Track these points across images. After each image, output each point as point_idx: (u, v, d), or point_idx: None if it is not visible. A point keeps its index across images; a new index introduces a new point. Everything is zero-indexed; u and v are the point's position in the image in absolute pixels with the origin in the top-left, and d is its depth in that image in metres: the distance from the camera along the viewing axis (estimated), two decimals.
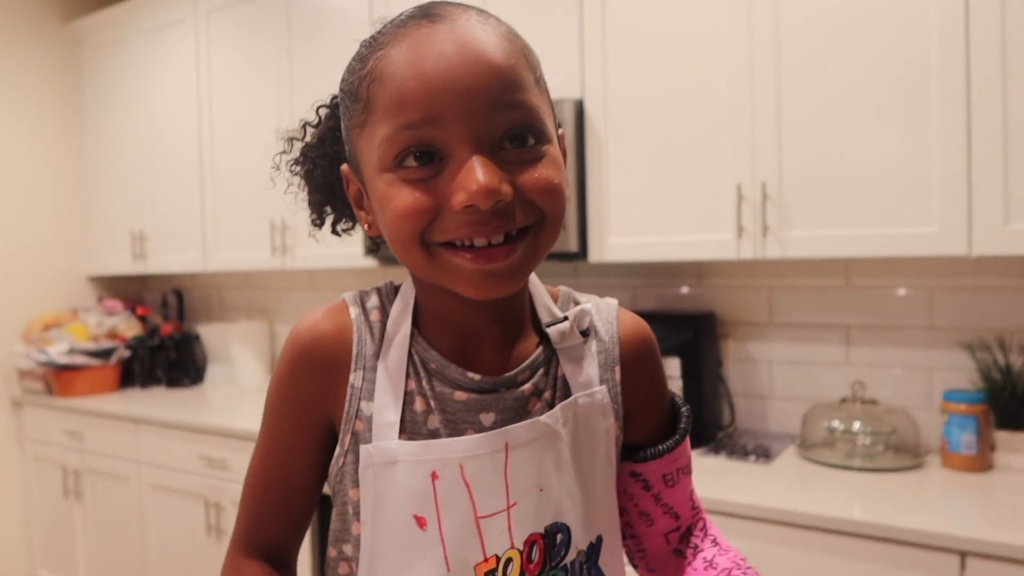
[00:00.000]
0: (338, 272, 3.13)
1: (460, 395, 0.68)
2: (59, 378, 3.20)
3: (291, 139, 0.77)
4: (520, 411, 0.69)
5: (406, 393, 0.69)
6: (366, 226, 0.71)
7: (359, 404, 0.69)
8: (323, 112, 0.77)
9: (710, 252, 1.95)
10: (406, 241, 0.63)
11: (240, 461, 2.52)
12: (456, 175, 0.60)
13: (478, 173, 0.58)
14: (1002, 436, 1.79)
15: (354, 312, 0.72)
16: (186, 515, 2.69)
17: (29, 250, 3.43)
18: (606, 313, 0.77)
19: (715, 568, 0.75)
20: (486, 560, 0.66)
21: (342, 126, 0.70)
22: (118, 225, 3.42)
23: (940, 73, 1.65)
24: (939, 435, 1.87)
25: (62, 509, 3.16)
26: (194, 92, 3.08)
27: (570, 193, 0.71)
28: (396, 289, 0.74)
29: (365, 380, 0.69)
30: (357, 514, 0.69)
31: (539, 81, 0.66)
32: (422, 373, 0.69)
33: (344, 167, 0.72)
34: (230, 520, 2.55)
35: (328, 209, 0.79)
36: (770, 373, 2.20)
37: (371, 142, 0.63)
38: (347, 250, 2.59)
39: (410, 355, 0.70)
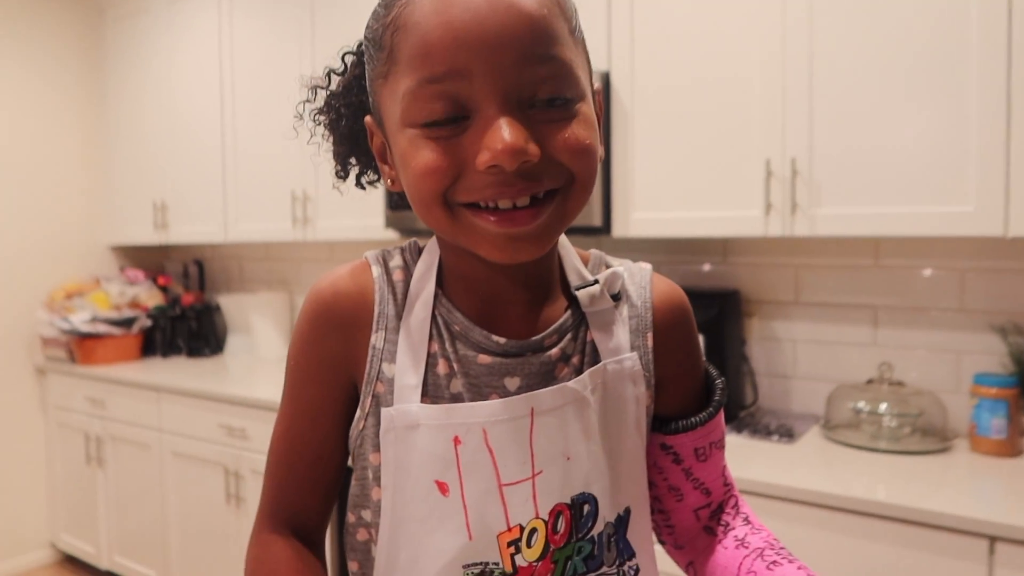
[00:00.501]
0: (359, 243, 3.12)
1: (484, 359, 0.66)
2: (81, 346, 3.23)
3: (315, 87, 0.73)
4: (546, 376, 0.66)
5: (429, 355, 0.66)
6: (389, 181, 0.68)
7: (380, 366, 0.67)
8: (349, 59, 0.73)
9: (737, 229, 1.91)
10: (428, 200, 0.60)
11: (259, 431, 2.53)
12: (482, 133, 0.56)
13: (504, 132, 0.55)
14: None
15: (376, 271, 0.69)
16: (206, 483, 2.71)
17: (52, 219, 3.45)
18: (639, 277, 0.74)
19: (747, 547, 0.72)
20: (509, 530, 0.63)
21: (366, 75, 0.67)
22: (140, 195, 3.43)
23: (980, 48, 1.59)
24: (967, 419, 1.84)
25: (85, 475, 3.20)
26: (216, 62, 3.07)
27: (603, 153, 0.67)
28: (420, 250, 0.72)
29: (387, 341, 0.67)
30: (377, 479, 0.66)
31: (574, 32, 0.62)
32: (445, 335, 0.67)
33: (368, 119, 0.69)
34: (249, 489, 2.57)
35: (352, 161, 0.76)
36: (794, 353, 2.17)
37: (394, 95, 0.60)
38: (368, 221, 2.57)
39: (433, 316, 0.67)
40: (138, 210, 3.44)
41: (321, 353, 0.69)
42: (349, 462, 0.72)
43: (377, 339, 0.67)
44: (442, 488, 0.63)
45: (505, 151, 0.55)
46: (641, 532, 0.71)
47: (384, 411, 0.65)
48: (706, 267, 2.30)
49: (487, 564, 0.63)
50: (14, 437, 3.33)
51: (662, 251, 2.38)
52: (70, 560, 3.44)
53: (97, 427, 3.12)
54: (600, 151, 0.66)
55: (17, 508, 3.34)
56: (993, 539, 1.38)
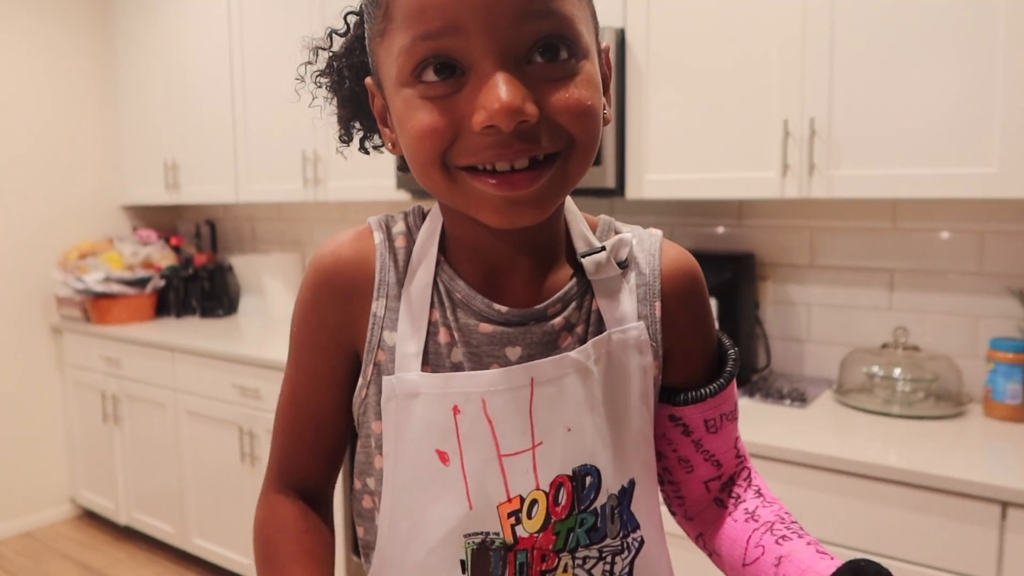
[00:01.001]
0: (370, 204, 3.10)
1: (485, 327, 0.65)
2: (96, 306, 3.25)
3: (317, 48, 0.71)
4: (549, 346, 0.65)
5: (430, 323, 0.65)
6: (390, 144, 0.66)
7: (381, 334, 0.66)
8: (351, 20, 0.70)
9: (752, 190, 1.88)
10: (425, 163, 0.58)
11: (272, 391, 2.55)
12: (478, 92, 0.54)
13: (500, 90, 0.53)
14: None
15: (378, 238, 0.68)
16: (221, 442, 2.75)
17: (65, 180, 3.45)
18: (648, 244, 0.72)
19: (757, 520, 0.70)
20: (509, 500, 0.63)
21: (365, 35, 0.64)
22: (150, 155, 3.41)
23: (1008, 3, 1.54)
24: (983, 384, 1.83)
25: (102, 433, 3.25)
26: (225, 21, 3.03)
27: (611, 115, 0.64)
28: (424, 215, 0.70)
29: (388, 309, 0.66)
30: (380, 447, 0.66)
31: None
32: (447, 303, 0.66)
33: (368, 80, 0.67)
34: (263, 448, 2.60)
35: (356, 125, 0.74)
36: (808, 316, 2.15)
37: (390, 53, 0.58)
38: (379, 182, 2.56)
39: (435, 284, 0.66)
40: (149, 170, 3.43)
41: (321, 320, 0.68)
42: (356, 428, 0.72)
43: (378, 307, 0.66)
44: (442, 457, 0.63)
45: (501, 111, 0.53)
46: (646, 504, 0.69)
47: (385, 379, 0.65)
48: (720, 230, 2.28)
49: (488, 534, 0.63)
50: (33, 395, 3.38)
51: (676, 213, 2.35)
52: (89, 515, 3.51)
53: (113, 386, 3.16)
54: (607, 113, 0.64)
55: (38, 464, 3.40)
56: (1005, 504, 1.38)
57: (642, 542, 0.69)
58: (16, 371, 3.33)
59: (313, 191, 2.80)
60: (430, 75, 0.56)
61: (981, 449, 1.59)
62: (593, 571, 0.66)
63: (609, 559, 0.67)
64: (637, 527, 0.68)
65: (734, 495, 0.74)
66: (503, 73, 0.54)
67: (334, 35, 0.72)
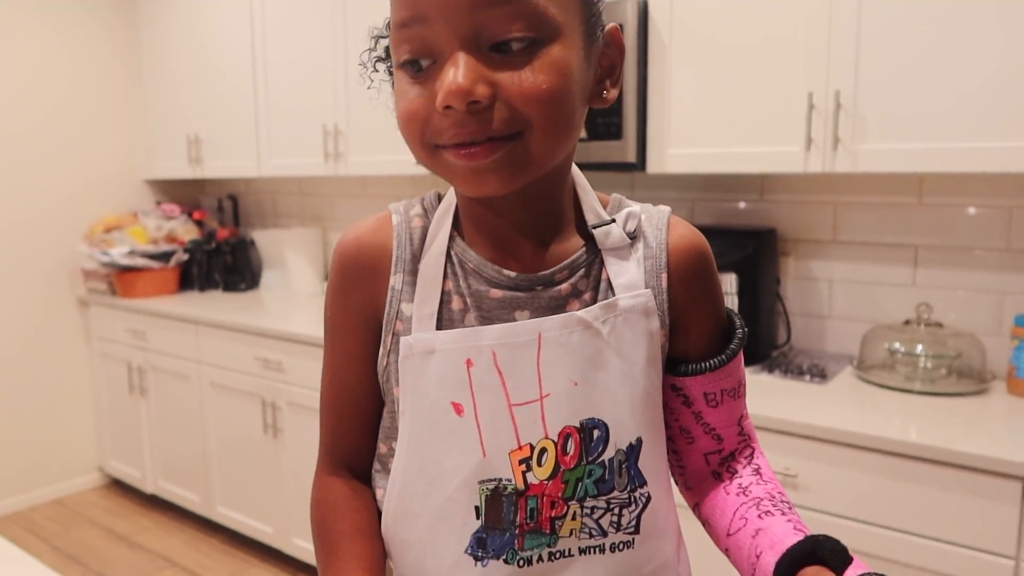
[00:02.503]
0: (391, 179, 3.11)
1: (496, 293, 0.69)
2: (121, 279, 3.30)
3: (377, 37, 0.75)
4: (556, 310, 0.69)
5: (443, 292, 0.70)
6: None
7: (399, 306, 0.70)
8: None
9: (775, 164, 1.86)
10: (412, 144, 0.64)
11: (294, 364, 2.58)
12: (441, 76, 0.60)
13: (451, 73, 0.58)
14: None
15: (396, 219, 0.73)
16: (245, 413, 2.79)
17: (90, 154, 3.48)
18: (656, 219, 0.74)
19: (747, 495, 0.73)
20: (520, 448, 0.66)
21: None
22: (174, 129, 3.44)
23: None
24: (1007, 361, 1.81)
25: (128, 404, 3.31)
26: None
27: (614, 95, 0.67)
28: (440, 198, 0.75)
29: (405, 283, 0.71)
30: (401, 413, 0.70)
31: None
32: (459, 272, 0.70)
33: None
34: (286, 420, 2.64)
35: None
36: (830, 292, 2.14)
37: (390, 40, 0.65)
38: (399, 156, 2.56)
39: (449, 256, 0.71)
40: (172, 144, 3.45)
41: (349, 303, 0.73)
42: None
43: (396, 281, 0.71)
44: (457, 409, 0.67)
45: (453, 92, 0.57)
46: (654, 463, 0.72)
47: (403, 339, 0.69)
48: (742, 205, 2.26)
49: (500, 480, 0.66)
50: (61, 366, 3.45)
51: (697, 188, 2.33)
52: (117, 484, 3.59)
53: (139, 358, 3.21)
54: (609, 94, 0.67)
55: (67, 434, 3.48)
56: None
57: (649, 498, 0.71)
58: (45, 343, 3.39)
59: (334, 165, 2.81)
60: (408, 62, 0.62)
61: (1003, 426, 1.57)
62: (601, 521, 0.69)
63: (616, 511, 0.70)
64: (644, 483, 0.71)
65: (732, 470, 0.77)
66: (461, 56, 0.58)
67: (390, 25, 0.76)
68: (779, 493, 0.73)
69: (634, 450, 0.70)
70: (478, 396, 0.66)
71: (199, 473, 3.03)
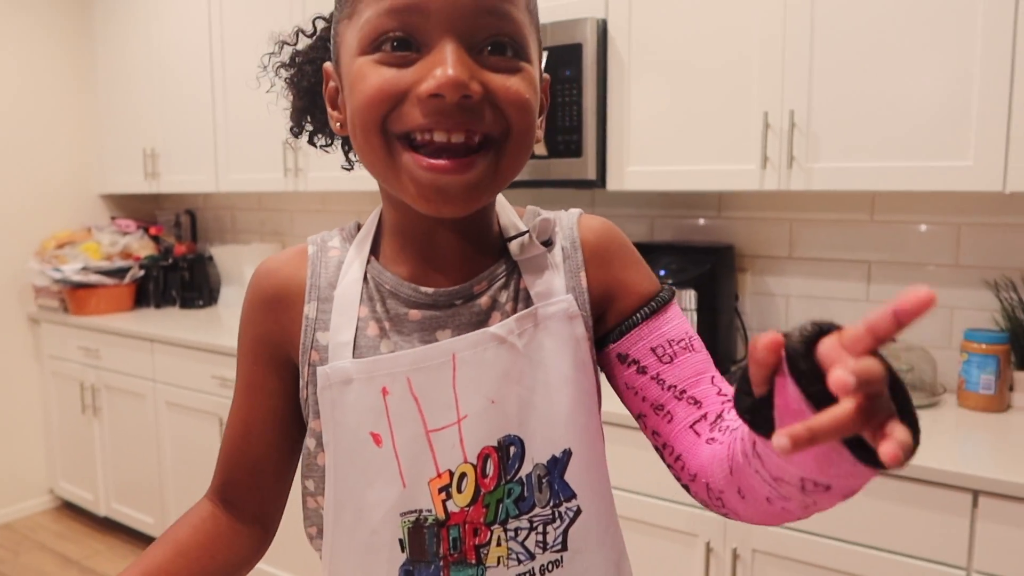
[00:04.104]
0: (351, 194, 3.09)
1: (415, 314, 0.67)
2: (74, 296, 3.22)
3: (283, 43, 0.76)
4: (479, 326, 0.67)
5: (359, 319, 0.68)
6: (337, 125, 0.69)
7: (315, 335, 0.69)
8: (319, 24, 0.76)
9: (732, 182, 1.89)
10: (368, 126, 0.61)
11: None
12: (430, 65, 0.59)
13: (450, 63, 0.57)
14: (1022, 377, 1.77)
15: (312, 249, 0.72)
16: (201, 432, 2.74)
17: (42, 167, 3.41)
18: (567, 221, 0.74)
19: (737, 427, 0.61)
20: (439, 475, 0.65)
21: (331, 30, 0.69)
22: (129, 143, 3.38)
23: (988, 1, 1.56)
24: (957, 374, 1.85)
25: (81, 424, 3.23)
26: (206, 7, 2.99)
27: (542, 136, 0.69)
28: (360, 226, 0.74)
29: (320, 311, 0.69)
30: (322, 444, 0.68)
31: (529, 6, 0.65)
32: (376, 296, 0.69)
33: (327, 65, 0.70)
34: None
35: (308, 119, 0.78)
36: (787, 308, 2.17)
37: (355, 28, 0.62)
38: (359, 172, 2.53)
39: (365, 280, 0.69)
40: (128, 159, 3.39)
41: (258, 333, 0.72)
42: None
43: (310, 309, 0.69)
44: (376, 439, 0.65)
45: (449, 81, 0.57)
46: (585, 473, 0.69)
47: (320, 369, 0.67)
48: (701, 222, 2.29)
49: (421, 511, 0.65)
50: (10, 386, 3.35)
51: (657, 205, 2.36)
52: (69, 507, 3.49)
53: (92, 377, 3.13)
54: (539, 133, 0.68)
55: (16, 455, 3.37)
56: (977, 493, 1.40)
57: (578, 511, 0.69)
58: None
59: (294, 181, 2.79)
60: (388, 48, 0.60)
61: (954, 438, 1.61)
62: (526, 543, 0.67)
63: (540, 529, 0.68)
64: (572, 496, 0.68)
65: (723, 428, 0.65)
66: (456, 48, 0.58)
67: (301, 34, 0.77)
68: None
69: (559, 463, 0.68)
70: (395, 425, 0.65)
71: (154, 495, 2.96)
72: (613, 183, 2.07)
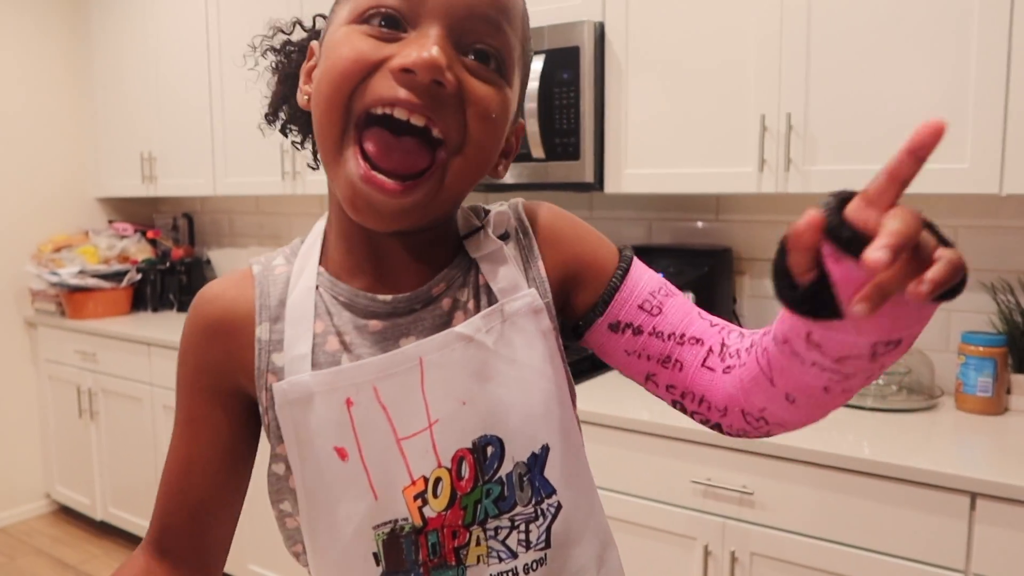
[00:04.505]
0: None
1: (375, 324, 0.65)
2: (71, 299, 3.21)
3: (279, 29, 0.76)
4: (443, 328, 0.65)
5: (316, 335, 0.65)
6: (305, 99, 0.67)
7: (269, 357, 0.65)
8: (319, 22, 0.75)
9: (730, 185, 1.89)
10: (333, 96, 0.59)
11: None
12: (412, 43, 0.58)
13: (432, 44, 0.56)
14: (1019, 379, 1.77)
15: (257, 269, 0.70)
16: None
17: (39, 171, 3.40)
18: (515, 212, 0.73)
19: (753, 345, 0.63)
20: (413, 483, 0.63)
21: (329, 16, 0.67)
22: (127, 147, 3.37)
23: (983, 2, 1.56)
24: (955, 377, 1.85)
25: (78, 428, 3.22)
26: (203, 10, 2.99)
27: (504, 172, 0.69)
28: (303, 243, 0.72)
29: (272, 332, 0.66)
30: (291, 468, 0.66)
31: (524, 35, 0.65)
32: (332, 309, 0.66)
33: (312, 43, 0.69)
34: None
35: (285, 108, 0.78)
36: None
37: (348, 3, 0.62)
38: None
39: (319, 293, 0.67)
40: (125, 162, 3.39)
41: (199, 362, 0.68)
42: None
43: (262, 331, 0.66)
44: (341, 454, 0.63)
45: (425, 62, 0.55)
46: (565, 468, 0.68)
47: (276, 386, 0.64)
48: (699, 224, 2.29)
49: (396, 521, 0.63)
50: (7, 390, 3.34)
51: (654, 208, 2.36)
52: (65, 511, 3.48)
53: (89, 380, 3.12)
54: (500, 169, 0.68)
55: (12, 459, 3.36)
56: (975, 495, 1.40)
57: (559, 507, 0.67)
58: None
59: (291, 184, 2.78)
60: (376, 22, 0.59)
61: (952, 441, 1.61)
62: (507, 541, 0.66)
63: (523, 527, 0.66)
64: (552, 492, 0.67)
65: (733, 353, 0.66)
66: (441, 37, 0.58)
67: (299, 25, 0.76)
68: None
69: (538, 459, 0.66)
70: (362, 436, 0.62)
71: (151, 499, 2.95)
72: (611, 186, 2.07)
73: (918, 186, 1.64)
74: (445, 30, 0.58)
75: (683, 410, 0.71)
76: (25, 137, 3.35)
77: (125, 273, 3.33)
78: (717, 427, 0.69)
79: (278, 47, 0.75)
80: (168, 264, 3.40)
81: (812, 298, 0.48)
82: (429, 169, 0.59)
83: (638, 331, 0.69)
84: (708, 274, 2.03)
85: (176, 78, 3.13)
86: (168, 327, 3.01)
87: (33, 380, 3.42)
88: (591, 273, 0.72)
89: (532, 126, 2.04)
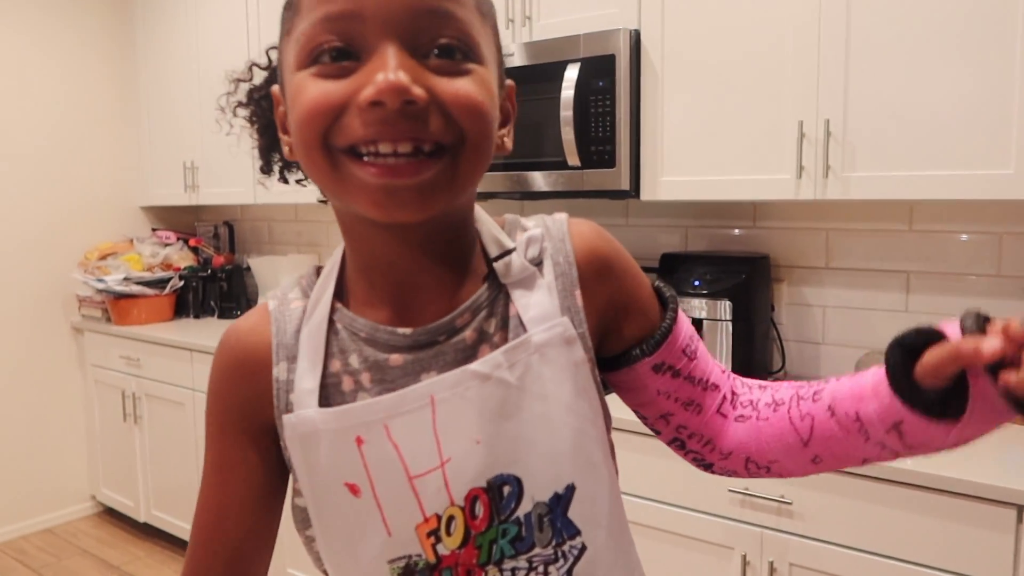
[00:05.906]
0: None
1: (396, 359, 0.63)
2: (116, 306, 3.29)
3: (238, 80, 0.72)
4: (467, 362, 0.62)
5: (330, 375, 0.64)
6: (287, 149, 0.65)
7: (287, 398, 0.64)
8: (272, 54, 0.70)
9: (768, 192, 1.88)
10: (310, 142, 0.56)
11: None
12: (370, 72, 0.54)
13: (390, 67, 0.53)
14: None
15: (272, 305, 0.68)
16: None
17: (85, 180, 3.50)
18: (556, 231, 0.69)
19: (782, 404, 0.68)
20: (426, 520, 0.61)
21: (278, 47, 0.64)
22: (170, 157, 3.45)
23: None
24: None
25: (122, 432, 3.29)
26: (244, 22, 3.06)
27: (510, 145, 0.67)
28: (320, 271, 0.70)
29: (289, 371, 0.65)
30: (306, 500, 0.66)
31: (481, 6, 0.61)
32: (349, 347, 0.64)
33: (274, 88, 0.66)
34: None
35: (276, 156, 0.75)
36: (824, 319, 2.15)
37: (292, 42, 0.59)
38: None
39: (334, 330, 0.65)
40: (169, 172, 3.47)
41: (227, 403, 0.68)
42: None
43: (279, 371, 0.65)
44: (353, 490, 0.62)
45: (389, 87, 0.52)
46: (591, 509, 0.65)
47: (285, 418, 0.63)
48: (735, 231, 2.28)
49: (411, 556, 0.62)
50: (54, 394, 3.43)
51: (691, 215, 2.35)
52: (110, 512, 3.56)
53: (133, 385, 3.20)
54: (507, 142, 0.65)
55: (59, 462, 3.45)
56: (1021, 508, 1.37)
57: (583, 549, 0.64)
58: (38, 370, 3.38)
59: None
60: (326, 59, 0.56)
61: (997, 452, 1.58)
62: None
63: (541, 569, 0.63)
64: (576, 534, 0.64)
65: (745, 403, 0.71)
66: (397, 53, 0.54)
67: (255, 68, 0.72)
68: (799, 383, 0.69)
69: (561, 500, 0.63)
70: (374, 473, 0.61)
71: (193, 502, 3.01)
72: (647, 193, 2.07)
73: (962, 192, 1.62)
74: (397, 42, 0.54)
75: (681, 447, 0.73)
76: (72, 147, 3.45)
77: (168, 280, 3.40)
78: (708, 466, 0.73)
79: (245, 100, 0.72)
80: (209, 271, 3.46)
81: (942, 402, 0.56)
82: (433, 155, 0.57)
83: (676, 373, 0.70)
84: (746, 282, 2.02)
85: (219, 89, 3.17)
86: (209, 333, 3.07)
87: (80, 385, 3.51)
88: (637, 307, 0.70)
89: (568, 134, 2.05)
